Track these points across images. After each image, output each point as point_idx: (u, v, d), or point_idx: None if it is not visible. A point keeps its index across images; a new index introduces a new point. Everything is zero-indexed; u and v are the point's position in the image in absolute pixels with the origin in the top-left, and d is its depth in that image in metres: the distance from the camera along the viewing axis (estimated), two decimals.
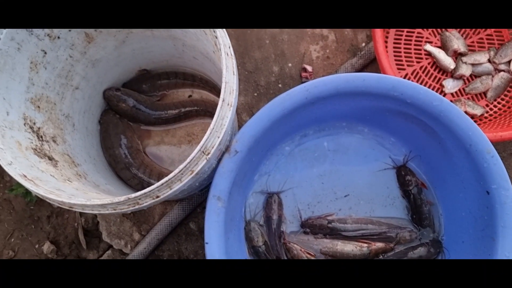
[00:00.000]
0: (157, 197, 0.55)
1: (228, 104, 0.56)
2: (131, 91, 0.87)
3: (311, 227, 0.86)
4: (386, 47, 0.95)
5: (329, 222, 0.86)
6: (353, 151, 0.90)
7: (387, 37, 0.96)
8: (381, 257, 0.85)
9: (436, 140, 0.80)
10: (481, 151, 0.74)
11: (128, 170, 0.83)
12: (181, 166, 0.53)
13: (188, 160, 0.53)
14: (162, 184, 0.53)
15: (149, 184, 0.82)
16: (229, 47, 0.58)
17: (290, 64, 0.95)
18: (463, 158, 0.77)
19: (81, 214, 0.94)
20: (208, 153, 0.55)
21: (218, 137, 0.55)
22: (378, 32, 0.85)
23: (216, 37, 0.55)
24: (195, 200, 0.90)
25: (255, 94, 0.94)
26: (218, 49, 0.57)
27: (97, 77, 0.81)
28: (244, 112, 0.95)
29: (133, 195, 0.53)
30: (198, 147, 0.53)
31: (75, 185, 0.64)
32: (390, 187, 0.89)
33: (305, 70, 0.94)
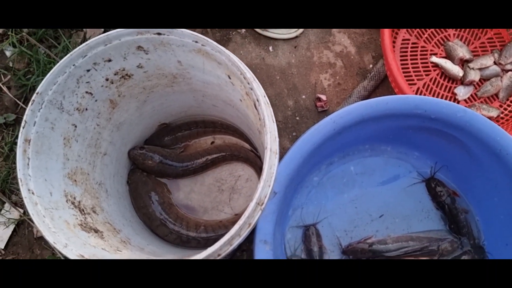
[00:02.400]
0: (219, 255, 0.54)
1: (274, 152, 0.56)
2: (155, 147, 0.87)
3: (353, 253, 0.86)
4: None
5: (369, 245, 0.86)
6: (380, 171, 0.91)
7: None
8: None
9: (463, 149, 0.81)
10: None
11: (165, 226, 0.83)
12: (240, 222, 0.53)
13: (245, 214, 0.53)
14: (224, 243, 0.53)
15: (188, 237, 0.82)
16: (265, 96, 0.59)
17: (303, 96, 0.96)
18: (494, 163, 0.78)
19: None
20: (262, 203, 0.55)
21: (269, 186, 0.56)
22: (390, 54, 0.87)
23: (252, 89, 0.56)
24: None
25: None
26: (252, 99, 0.58)
27: (121, 139, 0.81)
28: None
29: (198, 257, 0.52)
30: (255, 200, 0.53)
31: (125, 254, 0.64)
32: (423, 200, 0.90)
33: (319, 99, 0.95)
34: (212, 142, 0.91)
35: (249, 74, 0.57)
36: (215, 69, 0.65)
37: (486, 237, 0.87)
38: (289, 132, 0.94)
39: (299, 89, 0.96)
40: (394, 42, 0.98)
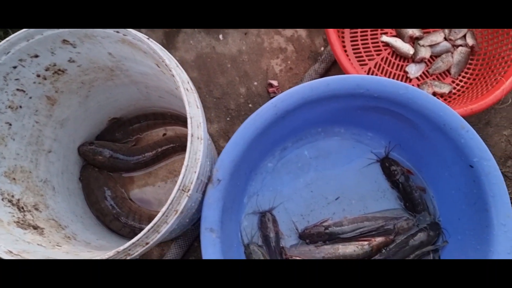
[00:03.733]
0: (147, 244, 0.54)
1: (198, 138, 0.56)
2: (105, 142, 0.87)
3: (309, 237, 0.86)
4: (344, 46, 0.97)
5: (325, 228, 0.86)
6: (335, 154, 0.90)
7: (343, 37, 0.98)
8: (384, 251, 0.85)
9: (411, 126, 0.81)
10: (456, 128, 0.75)
11: (118, 221, 0.82)
12: (164, 209, 0.53)
13: (169, 201, 0.53)
14: (149, 231, 0.53)
15: (141, 230, 0.82)
16: (188, 82, 0.58)
17: (255, 83, 0.96)
18: (440, 138, 0.78)
19: None
20: (188, 190, 0.55)
21: (195, 172, 0.55)
22: (333, 34, 0.87)
23: (173, 76, 0.56)
24: (190, 235, 0.90)
25: (228, 119, 0.94)
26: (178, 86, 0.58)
27: (67, 136, 0.81)
28: (220, 138, 0.95)
29: (122, 247, 0.52)
30: (177, 187, 0.53)
31: (65, 248, 0.64)
32: (378, 180, 0.90)
33: (271, 85, 0.95)
34: (164, 134, 0.91)
35: (170, 60, 0.57)
36: (144, 59, 0.64)
37: (441, 213, 0.87)
38: (242, 119, 0.94)
39: (251, 76, 0.96)
40: None
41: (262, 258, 0.83)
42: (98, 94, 0.79)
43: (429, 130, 0.79)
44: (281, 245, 0.86)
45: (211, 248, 0.72)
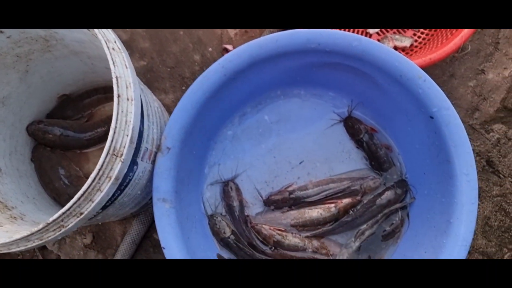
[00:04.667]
0: (81, 214, 0.51)
1: (127, 99, 0.52)
2: (55, 120, 0.83)
3: (274, 203, 0.84)
4: None
5: (290, 193, 0.83)
6: (296, 117, 0.87)
7: None
8: (351, 212, 0.83)
9: (369, 81, 0.78)
10: (412, 78, 0.72)
11: None
12: (93, 175, 0.50)
13: (98, 166, 0.50)
14: (79, 199, 0.50)
15: None
16: (115, 42, 0.55)
17: (210, 49, 0.92)
18: (399, 90, 0.75)
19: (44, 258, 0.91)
20: (121, 155, 0.52)
21: (127, 135, 0.52)
22: None
23: (95, 35, 0.52)
24: (152, 211, 0.87)
25: (183, 88, 0.91)
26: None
27: (12, 115, 0.77)
28: None
29: (51, 218, 0.49)
30: (105, 151, 0.50)
31: (6, 228, 0.61)
32: (343, 141, 0.87)
33: (226, 50, 0.91)
34: None
35: None
36: None
37: (408, 169, 0.85)
38: None
39: (205, 42, 0.92)
40: None
41: (226, 227, 0.81)
42: (39, 69, 0.75)
43: (387, 83, 0.76)
44: (246, 214, 0.84)
45: (165, 219, 0.69)
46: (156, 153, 0.69)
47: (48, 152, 0.82)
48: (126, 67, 0.53)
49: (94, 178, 0.50)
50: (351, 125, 0.85)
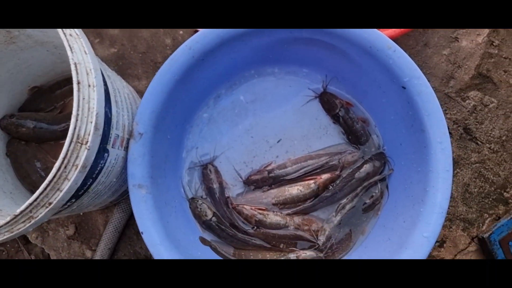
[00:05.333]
0: (50, 204, 0.51)
1: (89, 86, 0.52)
2: (27, 113, 0.82)
3: (254, 183, 0.84)
4: None
5: (269, 173, 0.83)
6: (271, 95, 0.87)
7: None
8: (330, 187, 0.83)
9: (341, 54, 0.78)
10: (382, 49, 0.72)
11: None
12: (57, 164, 0.49)
13: (62, 155, 0.49)
14: (45, 188, 0.49)
15: None
16: (72, 29, 0.54)
17: (181, 32, 0.91)
18: (370, 62, 0.75)
19: (29, 253, 0.91)
20: (87, 142, 0.51)
21: (91, 122, 0.51)
22: None
23: None
24: None
25: None
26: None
27: None
28: None
29: (19, 210, 0.49)
30: (68, 138, 0.49)
31: None
32: (319, 117, 0.87)
33: (197, 31, 0.90)
34: None
35: None
36: None
37: (385, 141, 0.85)
38: None
39: None
40: None
41: (208, 210, 0.81)
42: (5, 61, 0.74)
43: (358, 56, 0.75)
44: (226, 195, 0.84)
45: (143, 204, 0.69)
46: (128, 139, 0.69)
47: (23, 145, 0.82)
48: (86, 53, 0.53)
49: (59, 167, 0.49)
50: (326, 100, 0.85)
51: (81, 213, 0.88)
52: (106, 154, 0.61)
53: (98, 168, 0.60)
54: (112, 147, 0.63)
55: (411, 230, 0.72)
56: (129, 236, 0.88)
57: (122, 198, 0.85)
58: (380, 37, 0.71)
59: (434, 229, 0.70)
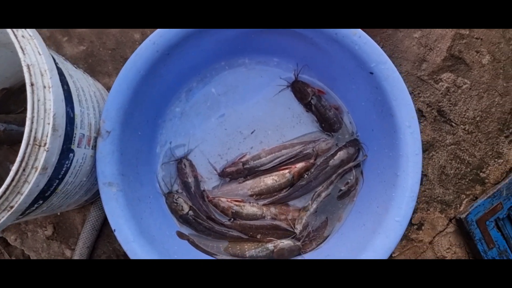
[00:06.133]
0: (11, 207, 0.51)
1: (44, 87, 0.51)
2: None
3: (229, 175, 0.84)
4: None
5: (244, 164, 0.83)
6: (243, 87, 0.87)
7: None
8: (305, 175, 0.83)
9: (308, 42, 0.77)
10: (348, 35, 0.72)
11: None
12: (14, 167, 0.49)
13: (18, 158, 0.49)
14: (5, 192, 0.49)
15: None
16: (25, 29, 0.53)
17: None
18: (337, 49, 0.74)
19: (9, 255, 0.91)
20: (45, 144, 0.51)
21: (49, 124, 0.51)
22: None
23: None
24: None
25: None
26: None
27: None
28: None
29: None
30: (24, 141, 0.49)
31: None
32: (292, 106, 0.87)
33: None
34: None
35: None
36: None
37: (358, 128, 0.85)
38: None
39: None
40: None
41: (184, 204, 0.82)
42: None
43: (325, 43, 0.75)
44: (202, 189, 0.84)
45: (114, 202, 0.69)
46: (96, 138, 0.68)
47: None
48: (40, 54, 0.52)
49: (17, 171, 0.49)
50: (298, 89, 0.85)
51: (58, 213, 0.88)
52: (71, 154, 0.61)
53: (64, 169, 0.60)
54: (78, 147, 0.62)
55: (384, 215, 0.72)
56: (107, 234, 0.88)
57: (98, 196, 0.85)
58: None
59: (406, 213, 0.70)
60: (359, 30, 0.71)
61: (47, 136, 0.51)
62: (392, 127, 0.73)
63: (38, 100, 0.50)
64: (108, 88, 0.86)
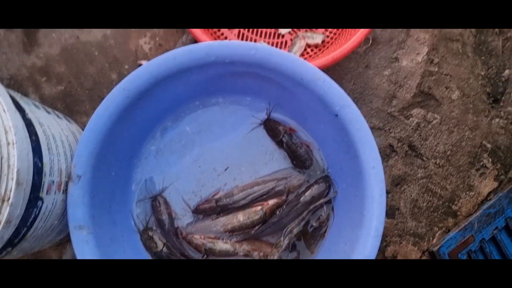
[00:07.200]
0: None
1: (8, 144, 0.53)
2: None
3: (203, 212, 0.85)
4: None
5: (217, 201, 0.85)
6: (217, 125, 0.89)
7: None
8: (278, 212, 0.85)
9: (276, 84, 0.80)
10: (312, 80, 0.74)
11: None
12: None
13: None
14: None
15: None
16: None
17: (126, 66, 0.93)
18: (303, 92, 0.77)
19: None
20: (8, 198, 0.53)
21: (12, 179, 0.53)
22: None
23: None
24: None
25: None
26: None
27: None
28: None
29: None
30: None
31: None
32: (265, 143, 0.89)
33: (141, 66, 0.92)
34: None
35: None
36: None
37: (329, 165, 0.87)
38: None
39: (121, 60, 0.92)
40: None
41: (159, 241, 0.83)
42: None
43: (292, 86, 0.78)
44: (176, 226, 0.86)
45: (84, 245, 0.71)
46: (67, 182, 0.70)
47: None
48: (5, 111, 0.54)
49: None
50: (270, 127, 0.87)
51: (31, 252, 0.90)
52: (39, 202, 0.63)
53: (32, 216, 0.62)
54: (47, 194, 0.64)
55: (350, 253, 0.74)
56: None
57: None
58: (310, 69, 0.73)
59: (371, 252, 0.72)
60: (323, 74, 0.73)
61: (10, 191, 0.53)
62: (358, 168, 0.75)
63: (2, 158, 0.52)
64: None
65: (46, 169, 0.63)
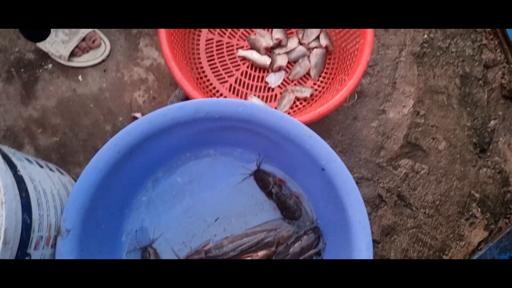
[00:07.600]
0: None
1: None
2: None
3: None
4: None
5: (206, 253, 0.85)
6: (208, 176, 0.90)
7: (198, 58, 0.98)
8: None
9: (265, 138, 0.82)
10: (299, 135, 0.76)
11: None
12: None
13: None
14: None
15: None
16: None
17: (121, 118, 0.95)
18: (291, 146, 0.79)
19: None
20: None
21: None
22: (170, 60, 0.84)
23: None
24: None
25: None
26: None
27: None
28: None
29: None
30: None
31: None
32: (254, 194, 0.90)
33: (135, 118, 0.94)
34: None
35: None
36: None
37: (318, 216, 0.88)
38: None
39: (115, 112, 0.95)
40: (198, 43, 0.97)
41: None
42: None
43: (280, 140, 0.80)
44: None
45: None
46: (56, 236, 0.71)
47: None
48: None
49: None
50: (260, 178, 0.89)
51: None
52: (27, 258, 0.63)
53: None
54: (35, 249, 0.65)
55: None
56: None
57: None
58: (296, 125, 0.75)
59: None
60: (309, 130, 0.76)
61: None
62: (345, 220, 0.76)
63: None
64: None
65: (35, 225, 0.64)
